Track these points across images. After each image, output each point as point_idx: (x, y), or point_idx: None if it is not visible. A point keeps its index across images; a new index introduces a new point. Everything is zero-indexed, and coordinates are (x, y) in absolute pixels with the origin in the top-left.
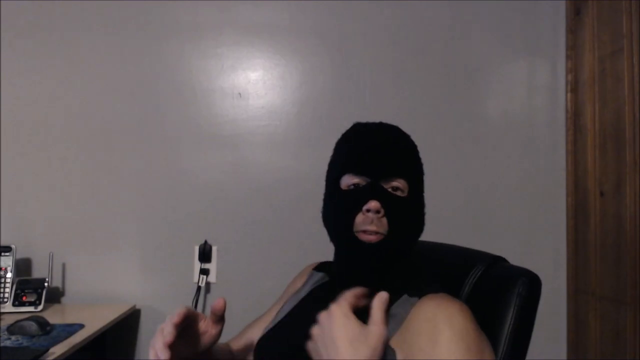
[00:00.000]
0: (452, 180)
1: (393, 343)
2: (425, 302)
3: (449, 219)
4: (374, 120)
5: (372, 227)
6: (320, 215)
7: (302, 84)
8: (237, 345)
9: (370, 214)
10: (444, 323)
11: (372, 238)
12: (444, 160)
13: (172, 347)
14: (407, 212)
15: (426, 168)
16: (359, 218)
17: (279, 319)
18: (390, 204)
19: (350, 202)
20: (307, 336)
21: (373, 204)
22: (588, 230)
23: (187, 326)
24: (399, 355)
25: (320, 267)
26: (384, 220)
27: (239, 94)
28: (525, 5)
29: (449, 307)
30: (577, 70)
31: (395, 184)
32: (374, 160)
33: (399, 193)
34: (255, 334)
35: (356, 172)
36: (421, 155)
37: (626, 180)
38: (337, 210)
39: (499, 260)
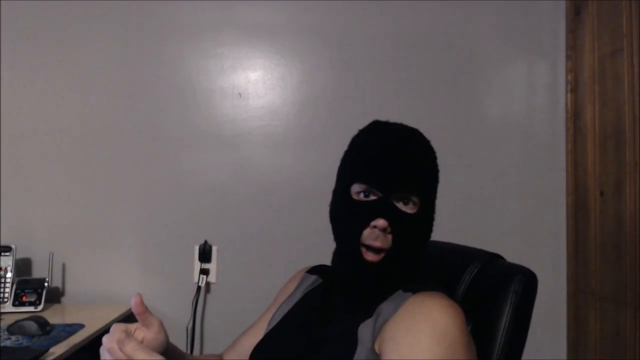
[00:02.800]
0: (452, 180)
1: (379, 339)
2: (414, 299)
3: (449, 219)
4: (373, 118)
5: (377, 243)
6: (323, 211)
7: (302, 84)
8: (230, 355)
9: (376, 230)
10: (424, 318)
11: (374, 258)
12: (444, 160)
13: None
14: (415, 229)
15: None
16: (366, 231)
17: (273, 324)
18: (398, 222)
19: (359, 215)
20: (302, 342)
21: (381, 222)
22: (588, 230)
23: None
24: (383, 356)
25: (313, 270)
26: (390, 236)
27: (239, 94)
28: (525, 5)
29: (434, 304)
30: (577, 70)
31: (407, 199)
32: (387, 174)
33: (409, 209)
34: (248, 343)
35: (368, 183)
36: None
37: (626, 180)
38: (345, 219)
39: (496, 258)
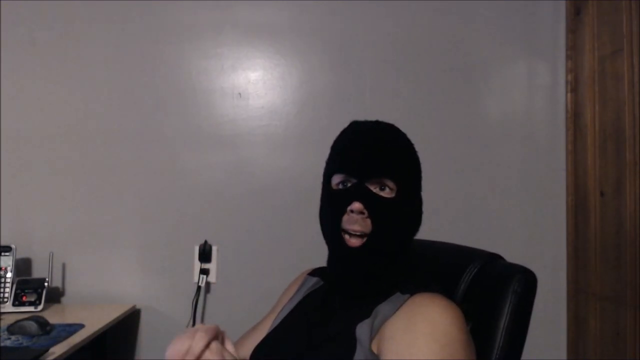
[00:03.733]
0: (451, 180)
1: (377, 339)
2: (413, 300)
3: (449, 219)
4: (373, 118)
5: (356, 227)
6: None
7: (302, 84)
8: None
9: (354, 215)
10: (423, 319)
11: (356, 243)
12: (444, 161)
13: None
14: (393, 212)
15: (426, 168)
16: (345, 218)
17: (274, 326)
18: (374, 205)
19: (337, 203)
20: (302, 342)
21: (356, 205)
22: (588, 230)
23: None
24: (382, 356)
25: (315, 272)
26: (368, 220)
27: (239, 94)
28: (525, 5)
29: (432, 305)
30: (577, 70)
31: (382, 184)
32: (361, 161)
33: (385, 193)
34: (250, 343)
35: (344, 172)
36: (421, 155)
37: (626, 180)
38: (326, 210)
39: (495, 258)
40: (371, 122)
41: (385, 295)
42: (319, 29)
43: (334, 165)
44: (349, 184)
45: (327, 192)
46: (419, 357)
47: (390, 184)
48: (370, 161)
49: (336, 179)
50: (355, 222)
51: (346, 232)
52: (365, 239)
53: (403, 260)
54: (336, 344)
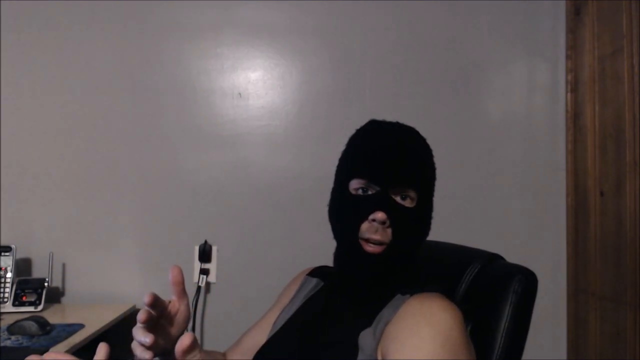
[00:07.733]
0: (452, 180)
1: (381, 343)
2: (413, 300)
3: (449, 219)
4: (372, 118)
5: (376, 237)
6: (323, 211)
7: (302, 83)
8: (233, 355)
9: (375, 224)
10: (425, 320)
11: (375, 249)
12: (444, 160)
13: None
14: (413, 222)
15: None
16: (365, 226)
17: (275, 330)
18: (397, 215)
19: (357, 209)
20: (303, 350)
21: (379, 215)
22: (588, 230)
23: (158, 316)
24: (387, 356)
25: (314, 272)
26: (389, 230)
27: (239, 94)
28: (525, 5)
29: (433, 305)
30: (577, 70)
31: (404, 194)
32: (384, 169)
33: (407, 203)
34: (250, 342)
35: (366, 178)
36: None
37: (626, 180)
38: (344, 214)
39: (496, 258)
40: (392, 123)
41: (387, 298)
42: (319, 29)
43: (353, 168)
44: (370, 191)
45: (345, 196)
46: (424, 359)
47: (412, 193)
48: (395, 170)
49: (355, 184)
50: (376, 231)
51: (364, 239)
52: (384, 247)
53: (410, 264)
54: (337, 352)
